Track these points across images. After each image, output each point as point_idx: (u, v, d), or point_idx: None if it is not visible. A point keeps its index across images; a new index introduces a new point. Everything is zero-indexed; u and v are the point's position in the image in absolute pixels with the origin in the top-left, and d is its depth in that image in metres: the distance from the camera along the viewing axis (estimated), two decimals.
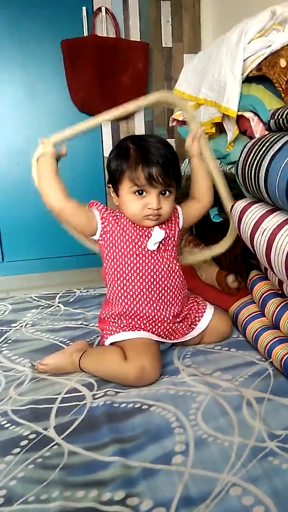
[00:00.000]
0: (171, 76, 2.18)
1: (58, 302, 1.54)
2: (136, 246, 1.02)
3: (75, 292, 1.63)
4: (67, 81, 2.02)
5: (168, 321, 1.05)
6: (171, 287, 1.06)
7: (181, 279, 1.09)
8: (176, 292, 1.07)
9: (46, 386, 0.97)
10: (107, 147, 2.16)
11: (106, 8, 2.01)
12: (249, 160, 1.00)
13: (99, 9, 2.00)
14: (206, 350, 1.10)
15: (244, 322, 1.14)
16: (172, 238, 1.07)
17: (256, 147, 0.99)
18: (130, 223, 1.02)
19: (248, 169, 1.00)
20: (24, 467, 0.71)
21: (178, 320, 1.07)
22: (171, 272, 1.06)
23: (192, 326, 1.10)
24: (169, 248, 1.07)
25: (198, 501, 0.63)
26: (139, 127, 2.18)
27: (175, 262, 1.08)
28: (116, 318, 1.04)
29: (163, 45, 2.16)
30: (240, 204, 1.07)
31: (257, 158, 0.96)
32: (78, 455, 0.74)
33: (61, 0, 1.96)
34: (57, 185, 1.04)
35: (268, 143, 0.94)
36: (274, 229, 0.91)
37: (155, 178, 0.96)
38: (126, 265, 1.02)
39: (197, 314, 1.12)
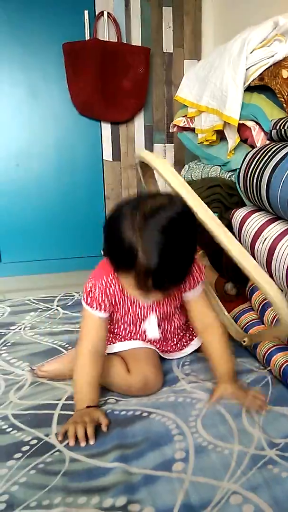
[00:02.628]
0: (171, 81, 2.20)
1: (57, 306, 1.54)
2: (134, 305, 0.97)
3: (74, 295, 1.63)
4: (68, 84, 2.02)
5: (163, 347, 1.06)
6: (169, 329, 1.05)
7: (180, 321, 1.06)
8: (173, 331, 1.06)
9: (46, 390, 0.97)
10: (107, 150, 2.16)
11: (108, 13, 2.02)
12: (251, 169, 1.01)
13: (101, 13, 2.01)
14: (205, 358, 1.10)
15: (243, 329, 1.15)
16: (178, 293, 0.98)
17: (258, 156, 1.00)
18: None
19: (250, 178, 1.01)
20: (26, 473, 0.72)
21: (173, 343, 1.08)
22: (170, 317, 1.04)
23: (188, 342, 1.10)
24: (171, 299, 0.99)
25: (199, 508, 0.64)
26: (138, 132, 2.19)
27: (176, 310, 1.03)
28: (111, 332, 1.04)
29: (164, 51, 2.17)
30: (241, 212, 1.09)
31: (259, 168, 0.97)
32: (80, 462, 0.74)
33: (63, 3, 1.97)
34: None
35: (270, 153, 0.96)
36: (275, 238, 0.92)
37: (163, 292, 0.83)
38: (123, 313, 0.99)
39: (193, 332, 1.10)
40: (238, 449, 0.76)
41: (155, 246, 0.72)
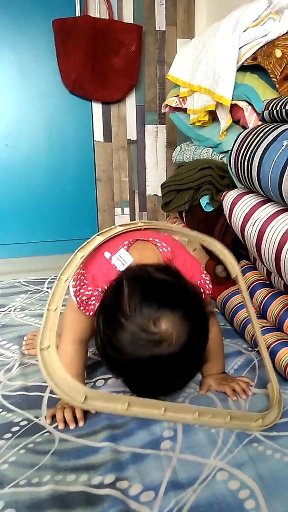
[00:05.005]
0: (164, 60, 2.15)
1: (47, 288, 1.53)
2: None
3: None
4: (58, 62, 1.97)
5: None
6: None
7: None
8: None
9: (35, 372, 0.98)
10: (98, 131, 2.13)
11: None
12: (242, 150, 1.00)
13: None
14: None
15: (232, 311, 1.16)
16: None
17: (250, 137, 0.99)
18: None
19: (241, 160, 1.00)
20: (15, 452, 0.72)
21: None
22: None
23: None
24: None
25: (186, 485, 0.65)
26: (130, 112, 2.15)
27: None
28: None
29: (157, 29, 2.12)
30: (232, 194, 1.08)
31: (250, 149, 0.96)
32: (69, 442, 0.75)
33: None
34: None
35: (262, 134, 0.95)
36: (265, 220, 0.92)
37: None
38: None
39: None
40: (224, 428, 0.77)
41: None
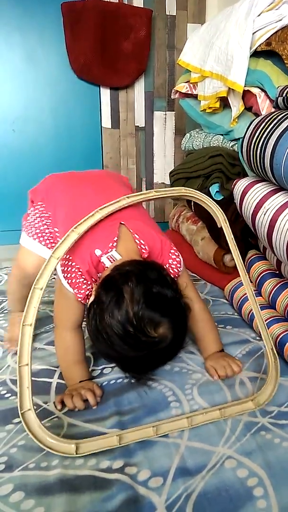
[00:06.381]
0: (174, 45, 2.12)
1: (54, 274, 1.53)
2: None
3: None
4: (66, 46, 1.94)
5: None
6: None
7: None
8: None
9: (43, 357, 0.98)
10: (106, 117, 2.11)
11: None
12: (255, 138, 0.98)
13: None
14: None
15: (240, 300, 1.15)
16: None
17: (263, 124, 0.97)
18: None
19: (253, 147, 0.99)
20: (24, 436, 0.73)
21: None
22: None
23: None
24: None
25: (194, 472, 0.65)
26: (139, 98, 2.12)
27: None
28: None
29: (167, 13, 2.08)
30: (243, 183, 1.07)
31: (263, 136, 0.95)
32: (78, 427, 0.76)
33: None
34: None
35: (275, 121, 0.93)
36: (277, 209, 0.91)
37: None
38: None
39: None
40: (233, 416, 0.77)
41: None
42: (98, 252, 0.83)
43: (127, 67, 2.02)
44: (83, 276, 0.83)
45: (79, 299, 0.84)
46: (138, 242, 0.85)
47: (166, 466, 0.67)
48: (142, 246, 0.85)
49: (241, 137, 1.12)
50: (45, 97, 2.01)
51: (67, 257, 0.85)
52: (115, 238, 0.84)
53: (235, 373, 0.89)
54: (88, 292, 0.83)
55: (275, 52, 1.14)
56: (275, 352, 0.86)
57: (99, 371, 0.93)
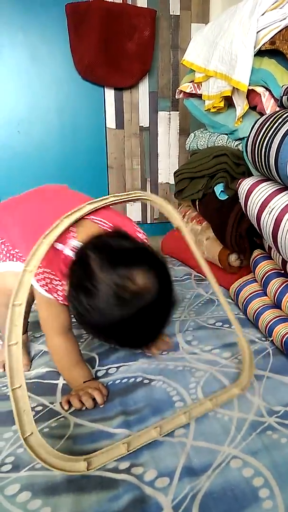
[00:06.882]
0: (178, 45, 2.12)
1: None
2: None
3: None
4: (70, 47, 1.95)
5: None
6: None
7: None
8: None
9: (48, 360, 0.98)
10: (110, 118, 2.11)
11: None
12: (260, 137, 0.98)
13: None
14: (207, 326, 1.11)
15: (245, 300, 1.15)
16: None
17: (268, 123, 0.97)
18: None
19: (258, 147, 0.98)
20: None
21: None
22: None
23: None
24: None
25: (200, 471, 0.65)
26: (143, 98, 2.13)
27: None
28: None
29: (171, 13, 2.08)
30: (248, 182, 1.07)
31: (269, 136, 0.94)
32: (84, 427, 0.76)
33: None
34: None
35: (280, 120, 0.93)
36: (282, 209, 0.91)
37: None
38: None
39: None
40: (238, 416, 0.77)
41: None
42: (59, 246, 0.79)
43: (131, 68, 2.03)
44: (56, 278, 0.80)
45: (61, 302, 0.81)
46: (100, 222, 0.82)
47: (172, 466, 0.67)
48: (104, 224, 0.82)
49: (245, 137, 1.12)
50: (50, 98, 2.02)
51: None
52: (74, 229, 0.80)
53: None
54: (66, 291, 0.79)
55: (279, 51, 1.14)
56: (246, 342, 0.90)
57: (104, 371, 0.93)
